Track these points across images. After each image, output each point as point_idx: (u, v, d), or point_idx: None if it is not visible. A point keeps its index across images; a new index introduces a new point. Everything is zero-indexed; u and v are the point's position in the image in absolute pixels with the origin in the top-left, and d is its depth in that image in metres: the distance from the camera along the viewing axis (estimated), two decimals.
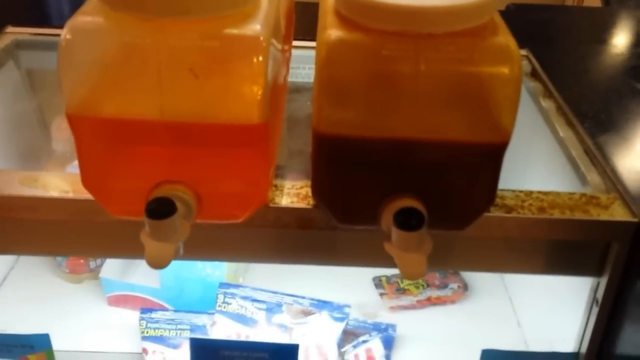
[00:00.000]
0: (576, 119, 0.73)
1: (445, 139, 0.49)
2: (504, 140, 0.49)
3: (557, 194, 0.60)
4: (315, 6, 0.57)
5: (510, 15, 0.53)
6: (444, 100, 0.48)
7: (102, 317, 0.90)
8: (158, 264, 0.49)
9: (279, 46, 0.56)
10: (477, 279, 0.98)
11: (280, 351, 0.69)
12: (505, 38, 0.48)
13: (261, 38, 0.48)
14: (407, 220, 0.48)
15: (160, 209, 0.48)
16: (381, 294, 0.94)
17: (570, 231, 0.59)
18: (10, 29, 0.92)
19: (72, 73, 0.48)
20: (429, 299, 0.94)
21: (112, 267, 0.92)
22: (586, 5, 2.16)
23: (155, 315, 0.87)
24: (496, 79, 0.47)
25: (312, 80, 0.50)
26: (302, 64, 0.89)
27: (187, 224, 0.50)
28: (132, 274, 0.91)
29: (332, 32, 0.48)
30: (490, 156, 0.50)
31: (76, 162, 0.52)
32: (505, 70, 0.47)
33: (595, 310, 0.63)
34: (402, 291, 0.95)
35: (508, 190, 0.60)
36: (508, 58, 0.47)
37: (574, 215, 0.58)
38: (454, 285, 0.96)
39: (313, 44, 0.50)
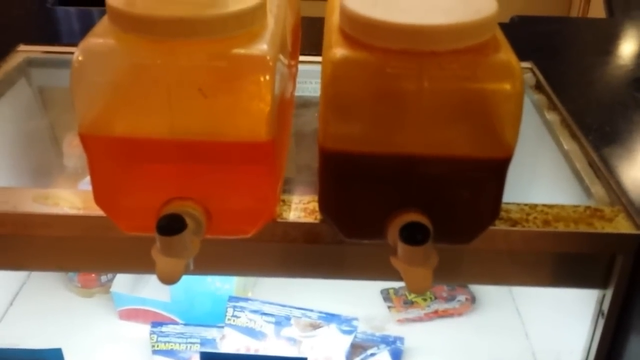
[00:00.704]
0: (580, 131, 0.73)
1: (450, 155, 0.49)
2: (507, 155, 0.50)
3: (562, 206, 0.61)
4: (321, 21, 0.58)
5: (515, 28, 0.54)
6: (448, 117, 0.49)
7: (113, 331, 0.91)
8: (169, 279, 0.50)
9: (286, 63, 0.57)
10: (484, 291, 0.98)
11: None
12: (506, 55, 0.49)
13: (267, 57, 0.49)
14: (413, 235, 0.49)
15: (171, 225, 0.49)
16: (389, 307, 0.95)
17: (575, 244, 0.59)
18: (21, 47, 0.93)
19: (84, 93, 0.49)
20: (436, 311, 0.94)
21: (123, 281, 0.93)
22: (590, 17, 2.16)
23: (165, 329, 0.88)
24: (498, 95, 0.48)
25: (318, 94, 0.51)
26: (309, 79, 0.90)
27: (197, 240, 0.51)
28: (143, 288, 0.92)
29: (337, 50, 0.49)
30: (494, 171, 0.51)
31: (88, 178, 0.53)
32: (507, 86, 0.48)
33: (602, 322, 0.64)
34: (409, 304, 0.95)
35: (513, 203, 0.61)
36: (510, 74, 0.48)
37: (578, 228, 0.59)
38: (462, 298, 0.96)
39: (319, 58, 0.51)
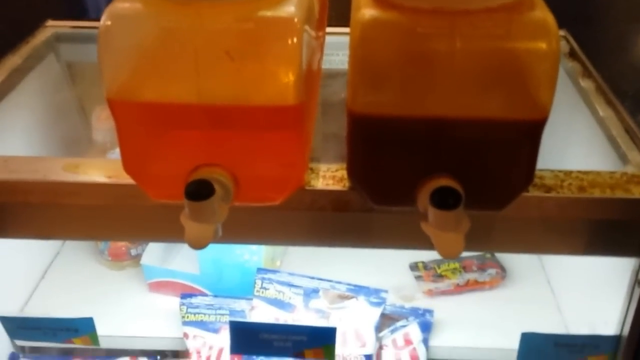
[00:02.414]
0: (616, 98, 0.71)
1: (482, 117, 0.48)
2: (543, 116, 0.48)
3: (598, 173, 0.59)
4: None
5: None
6: (481, 78, 0.47)
7: (144, 303, 0.92)
8: (198, 244, 0.50)
9: (313, 30, 0.56)
10: (515, 264, 0.97)
11: (318, 334, 0.69)
12: (542, 12, 0.47)
13: (295, 20, 0.48)
14: (444, 199, 0.48)
15: (199, 191, 0.48)
16: (417, 278, 0.94)
17: (610, 210, 0.58)
18: (50, 22, 0.94)
19: (111, 58, 0.49)
20: (467, 283, 0.93)
21: (152, 254, 0.94)
22: None
23: (195, 300, 0.88)
24: (534, 54, 0.47)
25: (345, 66, 0.50)
26: (336, 50, 0.89)
27: (225, 206, 0.50)
28: (172, 260, 0.93)
29: (366, 11, 0.48)
30: (528, 134, 0.49)
31: (116, 151, 0.53)
32: (543, 45, 0.46)
33: (638, 291, 0.62)
34: (439, 277, 0.94)
35: (547, 170, 0.59)
36: (546, 33, 0.46)
37: (614, 194, 0.57)
38: (492, 271, 0.95)
39: (346, 30, 0.50)
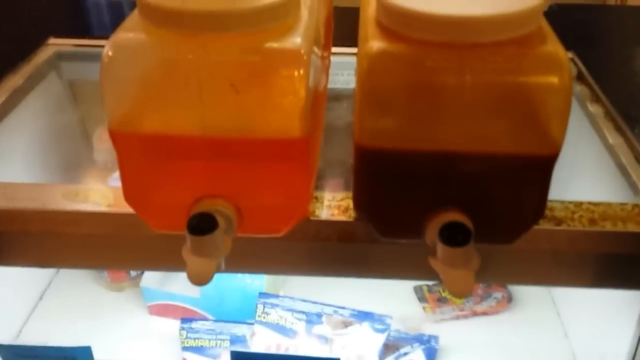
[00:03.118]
0: (626, 124, 0.70)
1: (492, 152, 0.47)
2: (554, 152, 0.47)
3: (609, 204, 0.58)
4: (353, 11, 0.56)
5: (553, 16, 0.51)
6: (491, 112, 0.46)
7: (143, 326, 0.91)
8: (200, 280, 0.49)
9: (319, 56, 0.55)
10: (521, 288, 0.95)
11: None
12: (553, 46, 0.46)
13: (302, 51, 0.47)
14: (454, 236, 0.47)
15: (202, 225, 0.47)
16: (424, 307, 0.93)
17: (622, 244, 0.57)
18: (52, 40, 0.93)
19: (114, 89, 0.48)
20: (472, 311, 0.92)
21: (152, 276, 0.92)
22: (630, 4, 2.10)
23: (195, 325, 0.87)
24: (545, 89, 0.45)
25: (351, 86, 0.49)
26: (341, 70, 0.88)
27: (228, 239, 0.49)
28: (173, 282, 0.91)
29: (374, 43, 0.47)
30: (539, 169, 0.48)
31: (117, 173, 0.52)
32: (555, 80, 0.45)
33: None
34: (444, 301, 0.93)
35: (557, 201, 0.58)
36: (558, 67, 0.45)
37: (626, 227, 0.56)
38: (498, 295, 0.94)
39: (352, 50, 0.50)
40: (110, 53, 0.47)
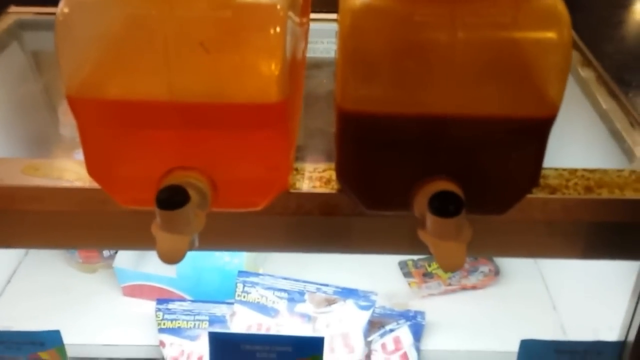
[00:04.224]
0: (619, 88, 0.67)
1: (486, 115, 0.44)
2: (552, 114, 0.44)
3: (605, 171, 0.55)
4: None
5: None
6: (484, 71, 0.43)
7: (117, 308, 0.87)
8: (171, 258, 0.45)
9: (297, 17, 0.51)
10: (509, 261, 0.93)
11: (305, 344, 0.65)
12: None
13: (278, 7, 0.43)
14: (444, 206, 0.44)
15: (172, 198, 0.44)
16: (409, 282, 0.90)
17: (620, 212, 0.54)
18: (12, 8, 0.89)
19: (71, 51, 0.44)
20: (459, 285, 0.89)
21: (126, 256, 0.88)
22: None
23: (172, 306, 0.83)
24: (543, 45, 0.42)
25: (331, 55, 0.45)
26: (321, 38, 0.84)
27: (202, 214, 0.46)
28: (148, 262, 0.88)
29: None
30: (535, 132, 0.45)
31: None
32: (553, 35, 0.42)
33: None
34: (430, 276, 0.91)
35: (550, 168, 0.55)
36: (556, 21, 0.42)
37: (624, 194, 0.53)
38: (485, 269, 0.91)
39: (332, 16, 0.46)
40: (65, 10, 0.43)
